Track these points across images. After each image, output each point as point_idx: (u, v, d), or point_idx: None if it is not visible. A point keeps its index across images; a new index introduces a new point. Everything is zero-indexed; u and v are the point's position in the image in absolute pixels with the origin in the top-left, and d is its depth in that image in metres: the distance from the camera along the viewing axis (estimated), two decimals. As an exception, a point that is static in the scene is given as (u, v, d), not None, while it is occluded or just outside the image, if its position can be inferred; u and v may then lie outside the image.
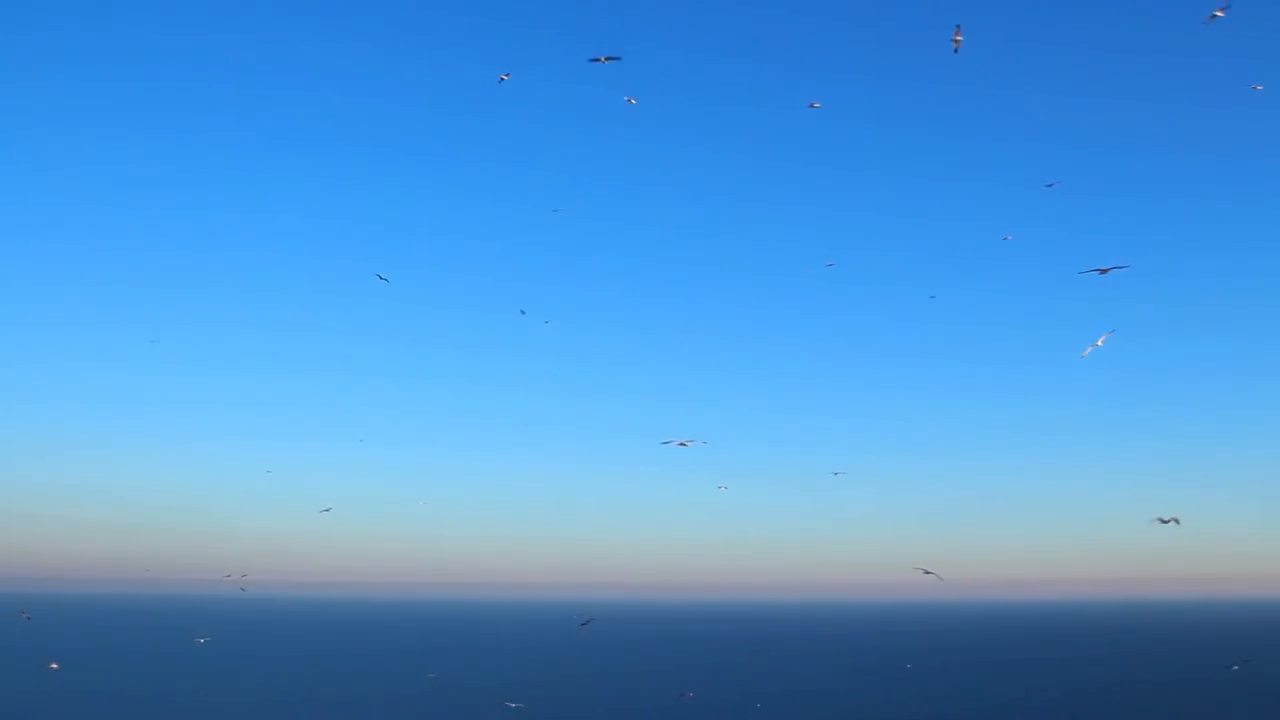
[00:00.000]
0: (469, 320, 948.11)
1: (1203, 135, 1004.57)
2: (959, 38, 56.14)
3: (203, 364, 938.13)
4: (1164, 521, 51.97)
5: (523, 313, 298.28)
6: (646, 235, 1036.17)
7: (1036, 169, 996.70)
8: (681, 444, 66.56)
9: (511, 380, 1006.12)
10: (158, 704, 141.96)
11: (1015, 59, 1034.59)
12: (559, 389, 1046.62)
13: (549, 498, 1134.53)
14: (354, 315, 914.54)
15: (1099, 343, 69.43)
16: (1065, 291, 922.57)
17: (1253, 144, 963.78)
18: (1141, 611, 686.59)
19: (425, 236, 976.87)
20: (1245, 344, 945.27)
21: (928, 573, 78.28)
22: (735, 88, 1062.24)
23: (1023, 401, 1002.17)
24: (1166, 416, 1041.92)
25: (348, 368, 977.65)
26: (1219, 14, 52.11)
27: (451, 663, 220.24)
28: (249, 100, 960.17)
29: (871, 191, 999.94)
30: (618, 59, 62.75)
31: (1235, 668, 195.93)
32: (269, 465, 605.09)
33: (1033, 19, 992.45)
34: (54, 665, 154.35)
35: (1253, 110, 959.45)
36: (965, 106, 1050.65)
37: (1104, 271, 61.07)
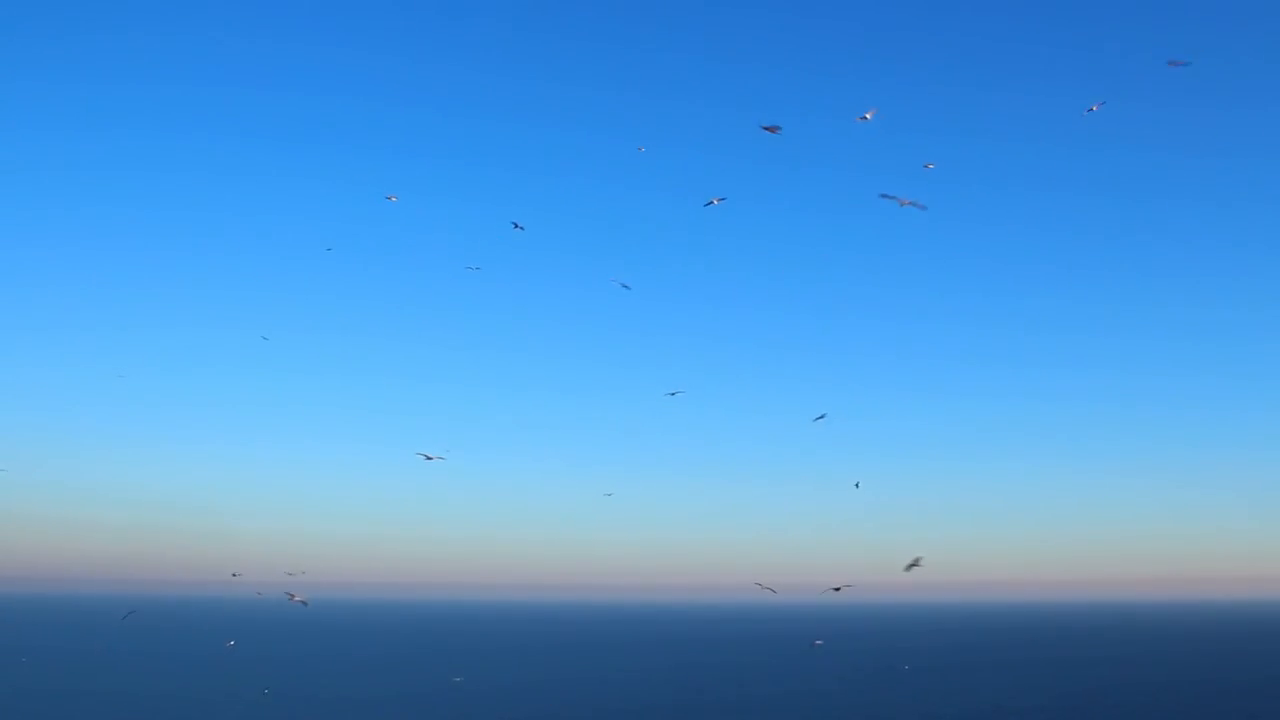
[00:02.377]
0: (479, 320, 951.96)
1: (1203, 135, 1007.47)
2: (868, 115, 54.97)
3: (207, 365, 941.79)
4: (912, 565, 51.60)
5: (476, 268, 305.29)
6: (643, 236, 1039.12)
7: (1034, 168, 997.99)
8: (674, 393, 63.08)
9: (518, 381, 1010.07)
10: (188, 704, 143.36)
11: (1014, 59, 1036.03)
12: (560, 389, 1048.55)
13: (553, 498, 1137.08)
14: (364, 316, 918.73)
15: (821, 418, 76.49)
16: (1063, 291, 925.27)
17: (1253, 144, 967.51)
18: (1138, 613, 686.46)
19: (427, 236, 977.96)
20: (1240, 345, 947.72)
21: (766, 588, 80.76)
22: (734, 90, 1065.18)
23: (1020, 401, 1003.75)
24: (1164, 416, 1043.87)
25: (368, 370, 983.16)
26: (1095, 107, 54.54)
27: (476, 664, 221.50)
28: (254, 101, 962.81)
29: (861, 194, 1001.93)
30: (780, 128, 64.83)
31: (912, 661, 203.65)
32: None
33: (1032, 19, 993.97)
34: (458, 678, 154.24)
35: (1253, 110, 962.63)
36: (962, 105, 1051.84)
37: (903, 203, 57.24)
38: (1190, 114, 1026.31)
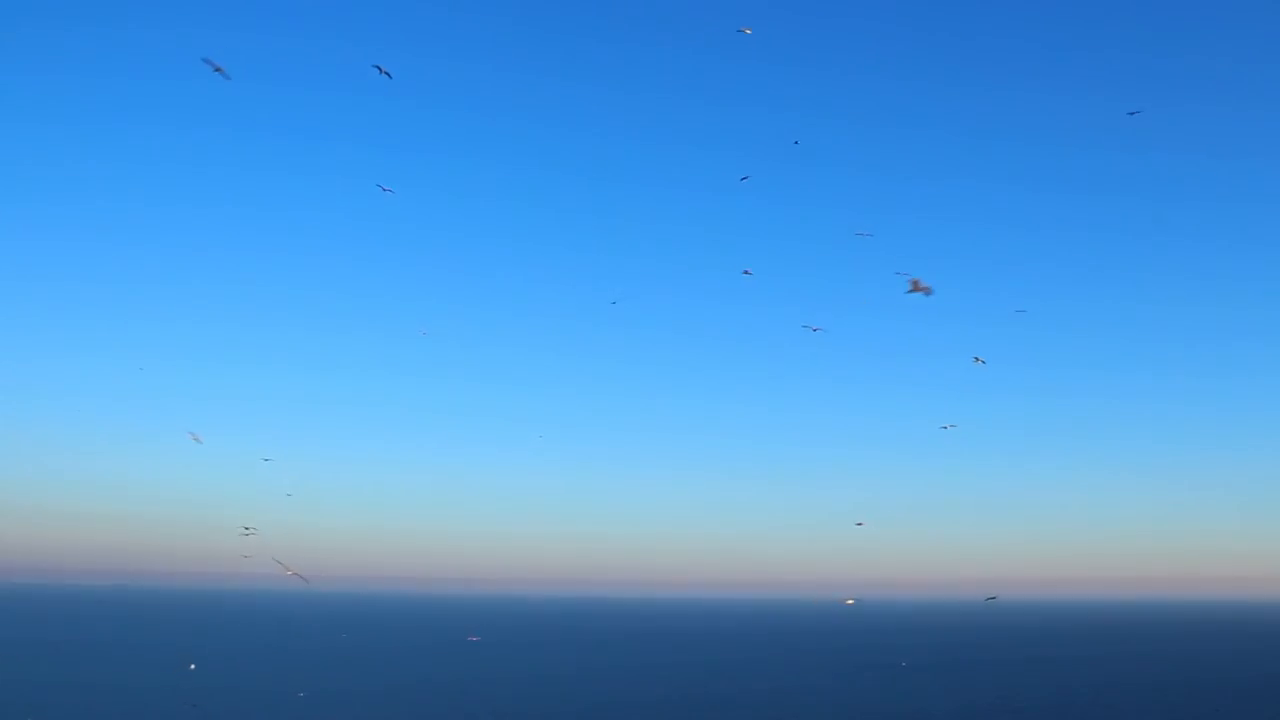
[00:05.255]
0: (485, 318, 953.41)
1: (1202, 135, 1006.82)
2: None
3: (213, 362, 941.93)
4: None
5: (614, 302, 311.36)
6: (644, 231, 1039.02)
7: (1037, 168, 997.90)
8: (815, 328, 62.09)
9: (512, 379, 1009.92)
10: (201, 696, 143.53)
11: (1015, 59, 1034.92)
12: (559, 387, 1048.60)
13: (551, 495, 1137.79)
14: (366, 314, 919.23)
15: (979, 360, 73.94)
16: (1066, 292, 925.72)
17: (1253, 144, 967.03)
18: (1134, 611, 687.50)
19: (425, 236, 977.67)
20: (1245, 344, 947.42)
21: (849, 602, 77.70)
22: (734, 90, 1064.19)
23: (1016, 401, 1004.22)
24: (1162, 415, 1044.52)
25: (371, 367, 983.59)
26: None
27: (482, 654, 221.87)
28: (253, 99, 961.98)
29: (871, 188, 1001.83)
30: (388, 74, 65.88)
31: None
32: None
33: (1033, 19, 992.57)
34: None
35: (1253, 110, 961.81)
36: (963, 106, 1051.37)
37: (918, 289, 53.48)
38: (1192, 114, 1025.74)
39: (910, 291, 45.93)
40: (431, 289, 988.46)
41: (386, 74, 66.45)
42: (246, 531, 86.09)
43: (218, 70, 57.47)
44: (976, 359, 70.98)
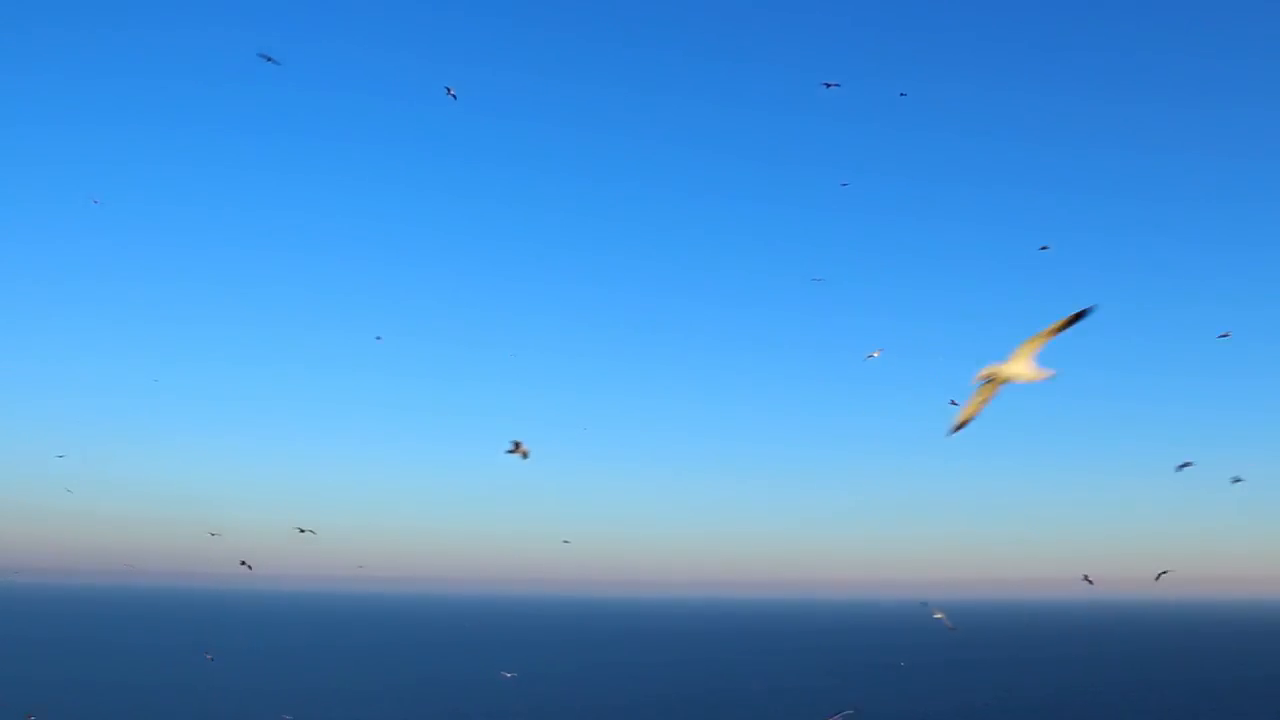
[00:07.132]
0: (484, 319, 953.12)
1: (1202, 135, 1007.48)
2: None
3: (212, 360, 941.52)
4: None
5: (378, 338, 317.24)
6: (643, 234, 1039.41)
7: (1036, 166, 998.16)
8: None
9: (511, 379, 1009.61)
10: (233, 696, 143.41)
11: (1014, 58, 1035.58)
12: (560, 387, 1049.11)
13: (555, 495, 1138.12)
14: (364, 313, 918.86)
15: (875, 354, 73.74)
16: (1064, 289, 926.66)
17: (1252, 144, 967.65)
18: (1135, 611, 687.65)
19: (423, 235, 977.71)
20: (1246, 343, 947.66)
21: (1088, 580, 74.77)
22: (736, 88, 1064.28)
23: (1017, 400, 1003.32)
24: (1160, 415, 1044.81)
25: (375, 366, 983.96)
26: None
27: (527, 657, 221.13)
28: (250, 97, 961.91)
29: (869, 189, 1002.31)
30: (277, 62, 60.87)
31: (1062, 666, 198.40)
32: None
33: (1033, 19, 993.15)
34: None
35: (1253, 110, 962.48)
36: (963, 105, 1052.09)
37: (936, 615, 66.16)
38: (1190, 114, 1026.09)
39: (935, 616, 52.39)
40: (431, 288, 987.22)
41: (274, 60, 60.30)
42: (213, 536, 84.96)
43: (269, 60, 56.86)
44: (871, 354, 72.45)
